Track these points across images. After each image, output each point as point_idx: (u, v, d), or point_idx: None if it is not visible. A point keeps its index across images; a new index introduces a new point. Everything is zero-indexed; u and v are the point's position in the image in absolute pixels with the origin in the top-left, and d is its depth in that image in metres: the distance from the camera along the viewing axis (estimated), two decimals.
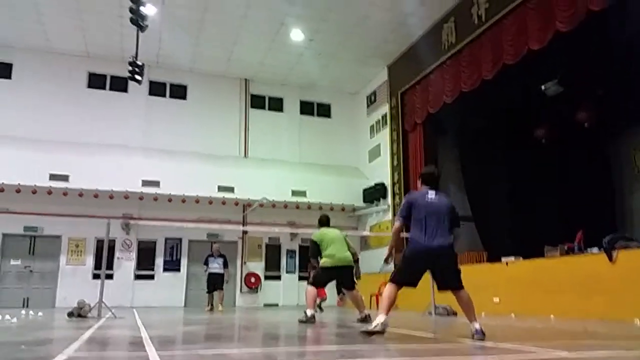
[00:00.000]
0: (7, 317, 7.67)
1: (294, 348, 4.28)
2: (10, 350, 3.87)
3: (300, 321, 6.92)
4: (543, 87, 10.93)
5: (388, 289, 4.84)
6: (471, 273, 10.69)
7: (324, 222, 7.75)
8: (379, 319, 4.62)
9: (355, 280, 7.53)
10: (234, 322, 7.89)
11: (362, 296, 7.59)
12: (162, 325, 7.13)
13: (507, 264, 9.42)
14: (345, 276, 7.31)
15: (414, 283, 4.95)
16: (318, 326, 6.64)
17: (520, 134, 13.00)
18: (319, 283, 7.41)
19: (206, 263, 13.06)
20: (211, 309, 12.65)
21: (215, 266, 12.88)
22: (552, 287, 8.14)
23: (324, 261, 7.24)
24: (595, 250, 7.77)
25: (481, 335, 4.49)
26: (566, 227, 10.17)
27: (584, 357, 3.49)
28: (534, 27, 10.05)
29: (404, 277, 4.94)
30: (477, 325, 4.58)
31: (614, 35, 9.21)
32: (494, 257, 10.84)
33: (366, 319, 6.88)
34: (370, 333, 4.59)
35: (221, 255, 13.12)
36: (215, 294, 12.98)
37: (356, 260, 7.62)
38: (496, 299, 9.38)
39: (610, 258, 7.10)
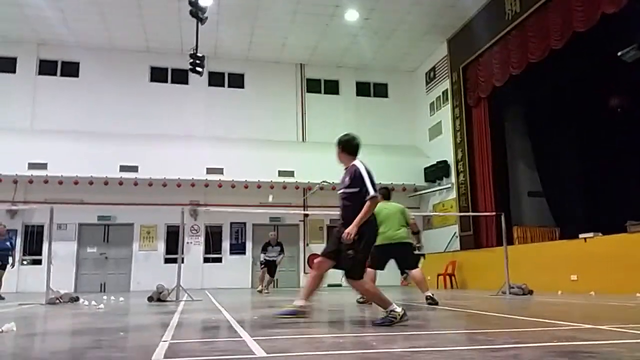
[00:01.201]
0: (94, 302, 8.12)
1: (382, 332, 4.27)
2: (112, 337, 4.08)
3: (358, 302, 6.85)
4: (619, 54, 10.23)
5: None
6: (544, 250, 10.41)
7: (385, 196, 7.12)
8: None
9: (420, 259, 7.27)
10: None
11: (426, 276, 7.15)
12: (241, 307, 7.34)
13: (585, 240, 9.00)
14: (401, 254, 6.79)
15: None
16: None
17: (594, 104, 12.32)
18: (375, 264, 6.80)
19: (265, 251, 12.99)
20: (261, 291, 12.75)
21: (273, 254, 12.93)
22: (636, 264, 7.72)
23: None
24: None
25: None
26: None
27: None
28: None
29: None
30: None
31: None
32: (568, 234, 10.41)
33: (432, 299, 6.60)
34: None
35: (278, 244, 13.15)
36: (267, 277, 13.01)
37: (416, 232, 7.29)
38: (574, 277, 9.02)
39: None
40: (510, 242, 10.46)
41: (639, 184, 11.36)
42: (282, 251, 13.18)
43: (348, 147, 4.89)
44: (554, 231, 12.26)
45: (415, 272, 6.91)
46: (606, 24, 9.67)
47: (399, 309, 4.25)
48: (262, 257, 12.94)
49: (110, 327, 4.88)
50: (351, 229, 4.29)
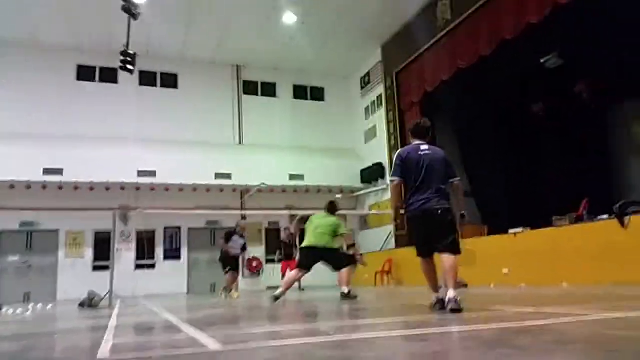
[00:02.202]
0: (19, 310, 7.56)
1: (333, 323, 4.27)
2: (48, 340, 3.81)
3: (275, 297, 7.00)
4: (542, 60, 10.95)
5: (421, 266, 4.75)
6: (476, 246, 10.85)
7: (326, 207, 7.90)
8: (434, 297, 4.64)
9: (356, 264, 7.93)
10: (248, 305, 7.87)
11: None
12: (177, 310, 7.09)
13: (514, 234, 9.50)
14: (326, 258, 7.47)
15: (429, 250, 4.70)
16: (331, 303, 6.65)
17: (520, 108, 13.08)
18: (301, 265, 7.57)
19: (228, 240, 11.40)
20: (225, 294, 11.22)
21: (236, 247, 11.39)
22: (562, 256, 8.25)
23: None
24: (605, 217, 7.86)
25: (456, 306, 4.16)
26: (569, 198, 10.26)
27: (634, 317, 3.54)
28: (533, 0, 10.03)
29: (419, 245, 4.77)
30: (454, 295, 4.24)
31: (613, 5, 9.22)
32: (496, 231, 10.92)
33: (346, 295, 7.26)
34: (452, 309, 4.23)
35: (243, 236, 11.72)
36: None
37: (351, 245, 7.93)
38: (505, 270, 9.48)
39: (622, 223, 7.20)
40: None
41: (559, 181, 12.18)
42: (244, 246, 11.60)
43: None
44: (482, 230, 12.84)
45: (341, 271, 7.52)
46: (532, 32, 10.29)
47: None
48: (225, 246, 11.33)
49: (42, 332, 4.56)
50: None
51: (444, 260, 4.50)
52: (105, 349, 2.95)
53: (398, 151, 4.91)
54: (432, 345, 2.64)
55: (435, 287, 4.72)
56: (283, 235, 14.17)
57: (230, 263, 11.37)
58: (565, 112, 12.63)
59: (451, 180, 4.73)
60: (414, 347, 2.65)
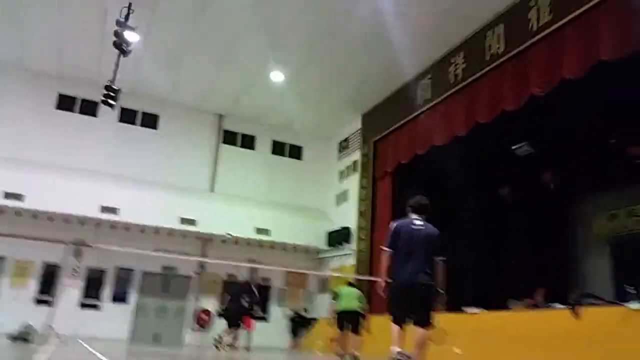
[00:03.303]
0: None
1: None
2: None
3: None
4: (513, 147, 11.39)
5: (392, 330, 4.96)
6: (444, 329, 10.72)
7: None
8: (396, 350, 4.80)
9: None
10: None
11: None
12: (113, 357, 6.70)
13: (472, 314, 9.44)
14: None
15: (403, 317, 4.96)
16: None
17: (488, 190, 13.41)
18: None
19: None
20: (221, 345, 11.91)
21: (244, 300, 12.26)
22: (517, 340, 8.17)
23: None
24: (560, 306, 7.91)
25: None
26: (527, 284, 10.39)
27: None
28: (509, 89, 10.55)
29: (395, 312, 5.02)
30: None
31: (583, 102, 9.78)
32: (453, 309, 10.85)
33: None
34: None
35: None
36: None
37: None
38: (458, 350, 9.32)
39: (576, 314, 7.24)
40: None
41: (519, 267, 12.34)
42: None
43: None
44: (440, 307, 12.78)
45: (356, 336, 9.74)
46: (505, 119, 10.73)
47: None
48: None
49: None
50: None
51: (417, 332, 4.86)
52: None
53: (394, 223, 5.34)
54: None
55: (398, 344, 4.88)
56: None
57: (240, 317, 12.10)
58: (531, 199, 13.02)
59: (435, 258, 5.11)
60: None
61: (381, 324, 6.44)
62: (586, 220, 13.64)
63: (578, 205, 13.60)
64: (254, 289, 12.98)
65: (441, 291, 5.16)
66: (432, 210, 5.37)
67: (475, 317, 9.36)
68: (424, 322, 4.90)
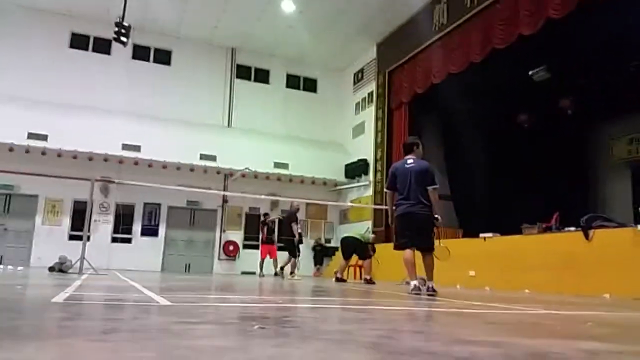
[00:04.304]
0: None
1: (295, 296, 4.39)
2: (9, 290, 3.88)
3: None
4: (530, 73, 11.13)
5: (403, 256, 5.54)
6: (448, 247, 11.04)
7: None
8: (412, 283, 5.50)
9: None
10: (219, 282, 7.97)
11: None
12: (146, 280, 7.17)
13: (484, 239, 9.69)
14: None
15: (411, 242, 5.53)
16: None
17: (505, 117, 13.27)
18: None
19: (297, 221, 11.69)
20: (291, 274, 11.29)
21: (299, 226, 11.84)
22: (528, 263, 8.44)
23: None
24: (572, 229, 8.06)
25: (432, 291, 5.36)
26: (544, 209, 10.47)
27: (557, 313, 3.69)
28: (526, 13, 10.17)
29: (401, 240, 5.60)
30: (431, 284, 5.48)
31: (602, 26, 9.40)
32: (471, 235, 11.12)
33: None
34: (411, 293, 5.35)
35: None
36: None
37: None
38: (472, 273, 9.67)
39: (586, 236, 7.39)
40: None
41: (536, 193, 12.40)
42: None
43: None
44: (457, 232, 13.06)
45: (365, 262, 10.63)
46: (523, 44, 10.44)
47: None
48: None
49: (7, 284, 4.62)
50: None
51: (424, 257, 5.57)
52: (61, 297, 3.03)
53: (394, 166, 6.04)
54: (363, 315, 2.76)
55: (414, 276, 5.55)
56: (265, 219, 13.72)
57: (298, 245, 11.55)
58: (548, 125, 12.84)
59: (428, 187, 5.63)
60: (347, 314, 2.77)
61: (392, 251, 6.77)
62: (605, 145, 13.47)
63: (597, 130, 13.39)
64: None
65: (437, 216, 5.69)
66: (418, 146, 5.93)
67: (489, 242, 9.60)
68: (426, 246, 5.57)
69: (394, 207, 5.87)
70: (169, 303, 2.91)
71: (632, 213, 10.75)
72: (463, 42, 12.29)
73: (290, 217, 11.70)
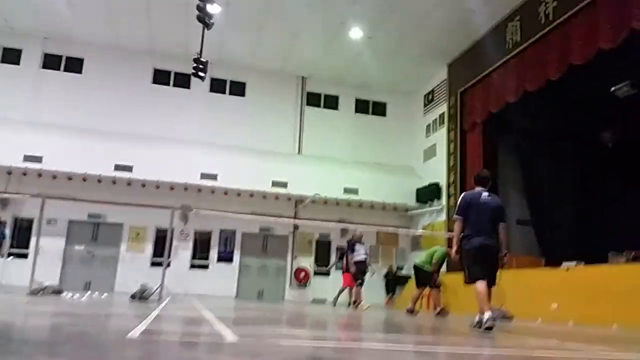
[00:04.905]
0: (77, 295, 8.13)
1: (364, 334, 4.33)
2: (90, 320, 4.13)
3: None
4: (613, 89, 10.47)
5: (475, 289, 5.45)
6: (527, 277, 10.47)
7: None
8: (487, 315, 5.23)
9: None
10: (298, 312, 8.05)
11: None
12: (220, 308, 7.36)
13: (567, 269, 9.08)
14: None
15: (485, 275, 5.48)
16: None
17: (586, 136, 12.52)
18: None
19: (352, 250, 11.62)
20: (355, 304, 11.23)
21: (362, 252, 11.57)
22: (615, 295, 7.78)
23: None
24: None
25: (491, 322, 5.15)
26: (632, 235, 9.69)
27: None
28: (606, 26, 9.64)
29: (476, 272, 5.52)
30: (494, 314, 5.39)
31: None
32: (553, 263, 10.49)
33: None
34: (487, 327, 5.13)
35: (362, 243, 11.86)
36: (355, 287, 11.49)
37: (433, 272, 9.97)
38: (554, 305, 9.06)
39: None
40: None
41: (624, 217, 11.50)
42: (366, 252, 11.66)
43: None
44: (539, 260, 12.35)
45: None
46: (602, 59, 9.88)
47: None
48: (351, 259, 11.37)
49: (90, 313, 4.92)
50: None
51: (489, 291, 5.52)
52: (137, 331, 3.17)
53: (464, 194, 6.04)
54: (424, 358, 2.66)
55: (487, 307, 5.34)
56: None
57: (359, 273, 11.50)
58: (635, 143, 11.96)
59: (501, 223, 5.72)
60: (410, 357, 2.68)
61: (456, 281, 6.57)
62: None
63: None
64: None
65: (506, 252, 5.73)
66: (491, 180, 6.05)
67: (572, 272, 8.99)
68: (493, 281, 5.61)
69: (460, 238, 5.79)
70: (235, 339, 2.96)
71: None
72: (539, 59, 11.83)
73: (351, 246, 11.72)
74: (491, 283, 5.58)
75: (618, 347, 3.98)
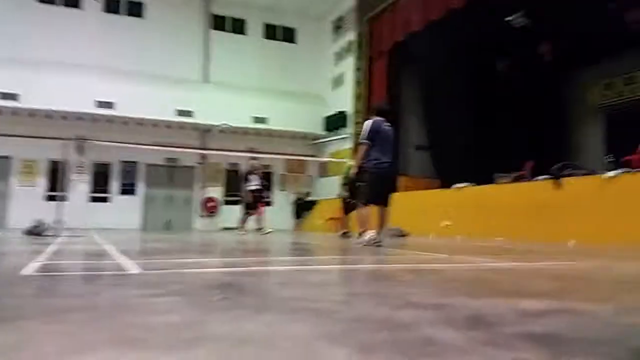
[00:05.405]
0: None
1: (269, 257, 4.48)
2: None
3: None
4: (508, 19, 11.01)
5: (362, 211, 6.17)
6: (423, 198, 11.27)
7: None
8: (370, 235, 5.86)
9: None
10: (197, 240, 8.07)
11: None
12: (121, 242, 7.21)
13: (458, 189, 9.86)
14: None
15: (381, 201, 6.04)
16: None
17: (484, 66, 13.20)
18: None
19: (246, 180, 11.85)
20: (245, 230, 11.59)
21: (255, 182, 11.77)
22: (499, 212, 8.65)
23: None
24: (544, 178, 8.22)
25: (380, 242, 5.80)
26: (519, 158, 10.64)
27: (524, 266, 3.85)
28: None
29: (374, 196, 6.03)
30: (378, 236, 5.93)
31: None
32: (448, 185, 11.30)
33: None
34: (370, 244, 5.70)
35: (256, 174, 12.02)
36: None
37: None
38: (447, 222, 9.89)
39: (557, 184, 7.58)
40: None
41: (512, 142, 12.54)
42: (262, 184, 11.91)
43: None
44: (435, 183, 13.26)
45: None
46: None
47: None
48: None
49: None
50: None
51: (385, 211, 6.15)
52: (31, 267, 3.05)
53: (372, 122, 6.29)
54: (324, 276, 2.85)
55: (367, 228, 6.05)
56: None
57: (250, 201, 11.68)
58: (527, 72, 12.85)
59: None
60: (311, 276, 2.86)
61: None
62: (582, 91, 13.57)
63: (574, 76, 13.44)
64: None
65: None
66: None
67: (463, 192, 9.77)
68: (388, 202, 6.19)
69: (365, 162, 6.21)
70: (138, 271, 2.95)
71: (605, 160, 10.98)
72: None
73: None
74: (388, 204, 6.16)
75: (500, 258, 4.48)
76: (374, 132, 6.14)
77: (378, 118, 6.32)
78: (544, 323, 1.56)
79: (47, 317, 1.58)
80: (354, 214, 9.60)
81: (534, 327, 1.50)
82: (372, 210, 6.16)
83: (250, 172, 12.02)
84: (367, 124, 6.32)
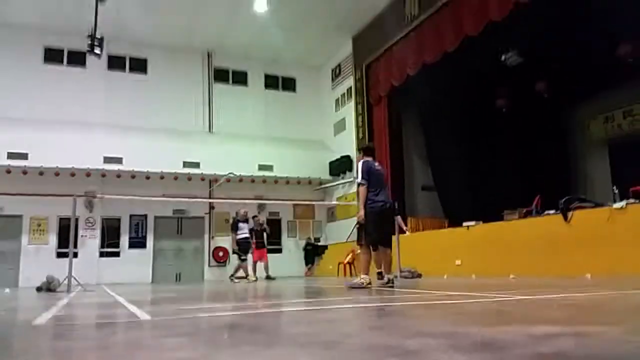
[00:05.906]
0: None
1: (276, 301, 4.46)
2: None
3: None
4: (503, 58, 11.29)
5: (365, 255, 6.19)
6: (434, 238, 11.22)
7: None
8: (364, 278, 5.91)
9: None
10: (208, 289, 8.02)
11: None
12: (134, 293, 7.20)
13: (467, 228, 9.83)
14: None
15: (381, 242, 6.08)
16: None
17: (482, 104, 13.42)
18: None
19: (235, 229, 12.15)
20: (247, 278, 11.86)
21: (245, 231, 12.08)
22: (510, 249, 8.59)
23: None
24: (552, 212, 8.21)
25: (392, 283, 6.00)
26: (525, 193, 10.64)
27: (537, 298, 3.81)
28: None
29: (374, 239, 6.05)
30: (390, 276, 6.13)
31: (574, 7, 9.57)
32: (456, 224, 11.27)
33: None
34: (362, 287, 5.72)
35: (247, 221, 12.34)
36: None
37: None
38: (458, 262, 9.81)
39: (565, 218, 7.55)
40: (403, 231, 11.27)
41: (517, 178, 12.59)
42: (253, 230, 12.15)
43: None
44: (443, 222, 13.22)
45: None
46: (495, 30, 10.56)
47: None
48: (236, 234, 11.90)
49: None
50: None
51: (388, 253, 6.20)
52: (44, 318, 3.07)
53: (365, 161, 6.34)
54: (333, 314, 2.84)
55: (366, 272, 6.13)
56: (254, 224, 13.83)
57: (241, 250, 11.95)
58: (526, 109, 13.04)
59: None
60: (321, 315, 2.85)
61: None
62: (582, 124, 13.72)
63: (573, 110, 13.62)
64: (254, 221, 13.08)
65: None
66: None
67: (472, 230, 9.74)
68: (390, 243, 6.33)
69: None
70: (149, 318, 2.96)
71: (612, 191, 10.95)
72: (436, 31, 12.39)
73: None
74: (389, 244, 6.25)
75: (512, 292, 4.44)
76: (369, 173, 6.21)
77: (367, 158, 6.38)
78: (552, 344, 1.57)
79: (60, 357, 1.61)
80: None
81: (543, 348, 1.51)
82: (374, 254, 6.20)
83: (239, 221, 12.15)
84: (359, 165, 6.41)
